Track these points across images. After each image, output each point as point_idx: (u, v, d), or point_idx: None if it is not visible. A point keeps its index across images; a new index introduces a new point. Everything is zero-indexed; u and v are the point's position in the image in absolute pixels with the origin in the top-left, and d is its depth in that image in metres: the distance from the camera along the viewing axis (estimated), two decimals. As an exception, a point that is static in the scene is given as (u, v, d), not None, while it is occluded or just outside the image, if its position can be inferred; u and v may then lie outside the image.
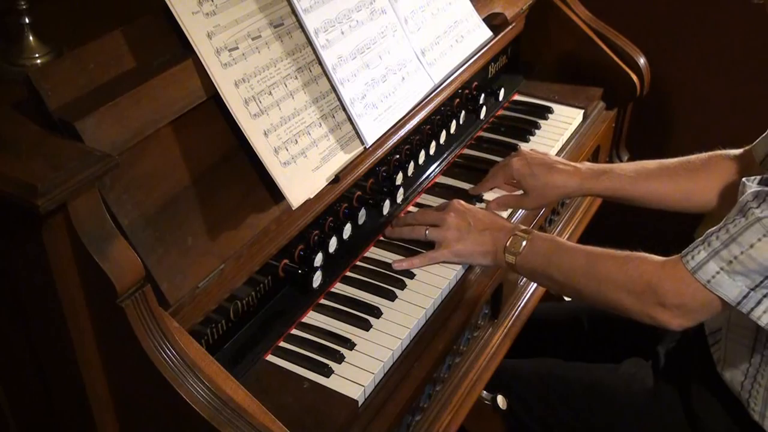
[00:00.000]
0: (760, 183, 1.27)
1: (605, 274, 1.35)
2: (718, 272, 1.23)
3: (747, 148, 1.59)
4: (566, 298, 2.03)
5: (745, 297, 1.23)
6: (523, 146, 1.89)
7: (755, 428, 1.42)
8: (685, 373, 1.54)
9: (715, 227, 1.27)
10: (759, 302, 1.23)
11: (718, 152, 1.63)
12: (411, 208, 1.68)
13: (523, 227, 1.48)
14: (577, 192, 1.68)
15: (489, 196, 1.72)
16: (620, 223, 2.44)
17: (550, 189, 1.64)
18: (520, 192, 1.69)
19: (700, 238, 1.28)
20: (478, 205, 1.68)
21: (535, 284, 1.78)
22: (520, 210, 1.72)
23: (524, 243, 1.44)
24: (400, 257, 1.53)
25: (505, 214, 1.67)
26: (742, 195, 1.27)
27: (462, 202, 1.57)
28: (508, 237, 1.46)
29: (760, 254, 1.20)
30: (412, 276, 1.50)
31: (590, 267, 1.36)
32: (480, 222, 1.51)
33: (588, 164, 1.68)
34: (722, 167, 1.60)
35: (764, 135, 1.53)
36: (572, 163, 1.67)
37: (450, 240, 1.50)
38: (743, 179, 1.28)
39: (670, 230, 2.36)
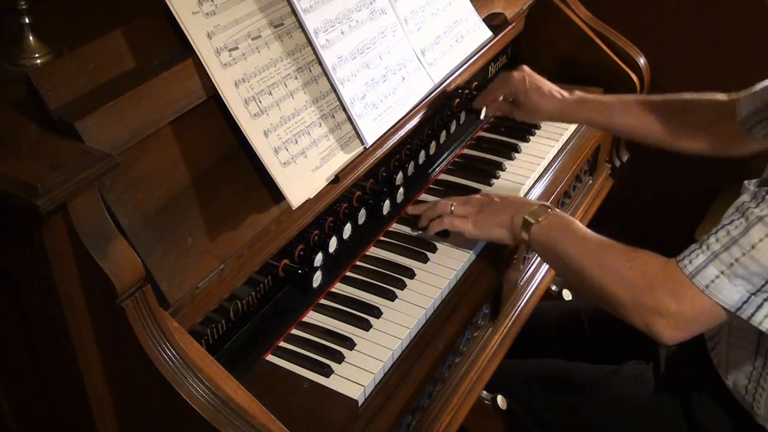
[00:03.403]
0: (759, 185, 1.26)
1: (610, 263, 1.33)
2: (717, 276, 1.21)
3: (732, 96, 1.59)
4: (566, 297, 2.03)
5: (745, 302, 1.21)
6: (523, 146, 1.90)
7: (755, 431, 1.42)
8: (686, 377, 1.54)
9: (712, 230, 1.25)
10: (759, 307, 1.20)
11: (704, 95, 1.66)
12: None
13: (548, 204, 1.49)
14: (558, 117, 1.79)
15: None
16: (620, 223, 2.44)
17: (536, 110, 1.75)
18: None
19: (696, 243, 1.26)
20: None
21: (536, 284, 1.79)
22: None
23: (544, 215, 1.45)
24: (402, 256, 1.54)
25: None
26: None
27: (489, 192, 1.64)
28: (531, 207, 1.47)
29: (762, 255, 1.18)
30: (412, 276, 1.50)
31: (597, 254, 1.35)
32: (505, 199, 1.55)
33: (578, 93, 1.76)
34: (701, 110, 1.64)
35: (750, 92, 1.52)
36: (563, 92, 1.76)
37: (471, 213, 1.54)
38: (744, 182, 1.27)
39: (671, 229, 2.36)
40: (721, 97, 1.63)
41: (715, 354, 1.48)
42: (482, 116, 1.82)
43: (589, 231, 1.42)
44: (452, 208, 1.55)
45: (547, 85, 1.76)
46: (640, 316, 1.28)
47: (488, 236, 1.53)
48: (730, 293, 1.21)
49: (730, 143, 1.61)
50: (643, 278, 1.28)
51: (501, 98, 1.79)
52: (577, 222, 1.45)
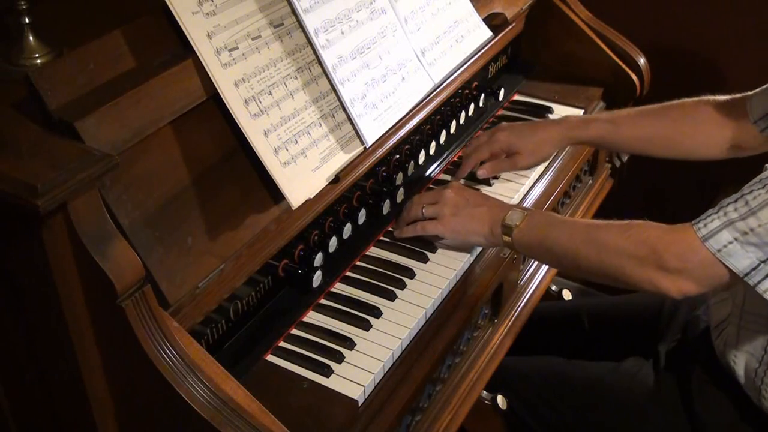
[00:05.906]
0: None
1: (606, 241, 1.32)
2: (730, 242, 1.21)
3: (736, 96, 1.58)
4: (566, 297, 2.03)
5: (754, 269, 1.21)
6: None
7: (760, 420, 1.42)
8: (686, 372, 1.54)
9: (730, 197, 1.25)
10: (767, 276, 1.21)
11: (704, 98, 1.64)
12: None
13: (520, 206, 1.47)
14: (565, 141, 1.74)
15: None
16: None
17: (541, 144, 1.70)
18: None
19: (713, 207, 1.26)
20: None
21: (536, 284, 1.79)
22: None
23: (522, 217, 1.43)
24: (402, 256, 1.53)
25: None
26: None
27: (461, 183, 1.60)
28: (506, 212, 1.45)
29: None
30: (412, 276, 1.50)
31: (590, 235, 1.34)
32: (477, 199, 1.52)
33: (574, 116, 1.74)
34: (707, 114, 1.62)
35: (763, 89, 1.51)
36: (556, 119, 1.73)
37: (446, 215, 1.50)
38: (766, 164, 1.28)
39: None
40: (721, 98, 1.62)
41: (721, 339, 1.47)
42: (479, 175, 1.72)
43: (571, 218, 1.42)
44: (423, 211, 1.53)
45: (538, 122, 1.72)
46: (646, 276, 1.28)
47: (464, 242, 1.52)
48: (740, 259, 1.21)
49: (742, 144, 1.59)
50: (645, 244, 1.28)
51: (488, 156, 1.72)
52: (555, 214, 1.44)
